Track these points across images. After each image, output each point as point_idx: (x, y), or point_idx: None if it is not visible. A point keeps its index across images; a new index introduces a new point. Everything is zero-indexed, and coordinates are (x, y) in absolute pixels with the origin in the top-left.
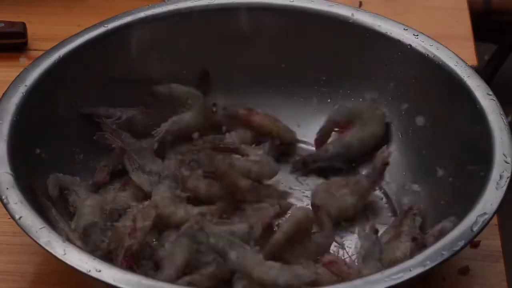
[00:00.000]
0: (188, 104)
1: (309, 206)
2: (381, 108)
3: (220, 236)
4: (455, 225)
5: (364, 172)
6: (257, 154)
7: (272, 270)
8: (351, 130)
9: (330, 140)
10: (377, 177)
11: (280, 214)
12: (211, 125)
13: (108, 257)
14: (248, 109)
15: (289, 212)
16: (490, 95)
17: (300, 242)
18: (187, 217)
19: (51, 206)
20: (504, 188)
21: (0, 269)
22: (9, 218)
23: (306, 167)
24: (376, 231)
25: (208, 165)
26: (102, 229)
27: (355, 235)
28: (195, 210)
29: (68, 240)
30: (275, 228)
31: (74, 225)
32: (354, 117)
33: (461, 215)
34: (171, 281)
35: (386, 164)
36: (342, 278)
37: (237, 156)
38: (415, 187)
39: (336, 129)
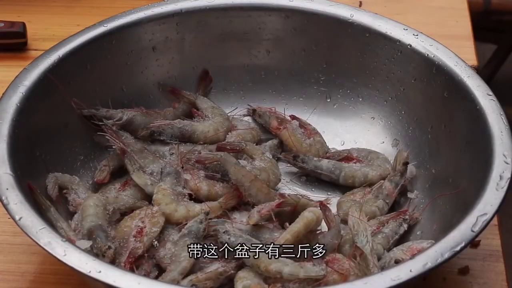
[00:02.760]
0: (207, 117)
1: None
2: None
3: (239, 236)
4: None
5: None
6: (262, 159)
7: (286, 266)
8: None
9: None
10: (399, 178)
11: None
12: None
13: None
14: (280, 121)
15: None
16: (490, 95)
17: (308, 242)
18: (188, 215)
19: (50, 205)
20: (505, 188)
21: (0, 269)
22: (9, 218)
23: (294, 161)
24: None
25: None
26: (107, 235)
27: None
28: (196, 207)
29: (68, 239)
30: (285, 226)
31: (74, 224)
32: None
33: (461, 216)
34: (177, 283)
35: (406, 164)
36: (345, 276)
37: (243, 162)
38: (414, 194)
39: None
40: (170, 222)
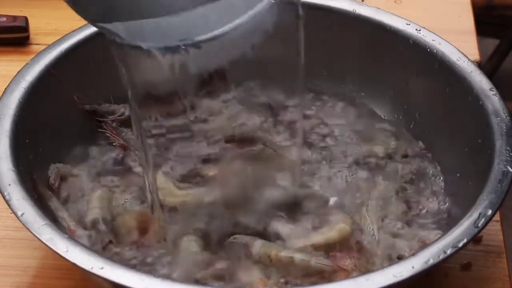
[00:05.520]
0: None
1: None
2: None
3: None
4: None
5: None
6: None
7: (297, 253)
8: None
9: None
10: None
11: None
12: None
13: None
14: None
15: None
16: (493, 90)
17: None
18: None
19: (52, 195)
20: (507, 184)
21: (3, 264)
22: (11, 213)
23: None
24: None
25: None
26: (109, 228)
27: None
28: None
29: (69, 229)
30: None
31: (77, 214)
32: None
33: (463, 212)
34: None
35: (406, 156)
36: (346, 271)
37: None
38: None
39: None
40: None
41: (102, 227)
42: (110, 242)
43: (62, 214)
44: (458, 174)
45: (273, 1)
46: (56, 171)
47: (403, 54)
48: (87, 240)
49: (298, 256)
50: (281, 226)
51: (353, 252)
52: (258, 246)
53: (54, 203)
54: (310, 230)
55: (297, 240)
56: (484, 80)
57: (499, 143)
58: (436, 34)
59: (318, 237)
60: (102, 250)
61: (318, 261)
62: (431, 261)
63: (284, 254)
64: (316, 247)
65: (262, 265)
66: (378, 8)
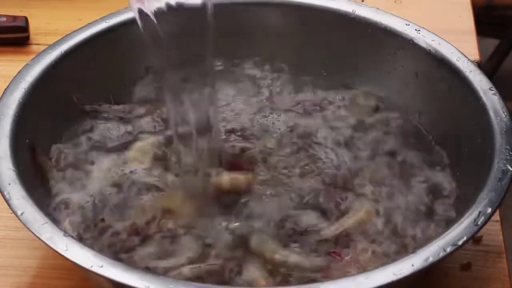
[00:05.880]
0: None
1: None
2: None
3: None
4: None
5: None
6: None
7: (291, 256)
8: None
9: None
10: None
11: None
12: None
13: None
14: None
15: None
16: (493, 90)
17: None
18: None
19: (52, 166)
20: (507, 182)
21: (3, 264)
22: (11, 213)
23: None
24: None
25: None
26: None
27: None
28: None
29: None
30: None
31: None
32: None
33: (463, 211)
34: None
35: None
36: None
37: None
38: None
39: None
40: None
41: (98, 204)
42: (102, 220)
43: (60, 185)
44: (458, 173)
45: None
46: (58, 152)
47: (403, 54)
48: (80, 215)
49: (292, 259)
50: (311, 217)
51: (354, 251)
52: (255, 242)
53: (53, 174)
54: (335, 218)
55: (330, 227)
56: (484, 80)
57: (499, 143)
58: (436, 34)
59: (349, 221)
60: (94, 227)
61: (313, 261)
62: (431, 259)
63: (278, 256)
64: (349, 230)
65: (263, 261)
66: (378, 9)
